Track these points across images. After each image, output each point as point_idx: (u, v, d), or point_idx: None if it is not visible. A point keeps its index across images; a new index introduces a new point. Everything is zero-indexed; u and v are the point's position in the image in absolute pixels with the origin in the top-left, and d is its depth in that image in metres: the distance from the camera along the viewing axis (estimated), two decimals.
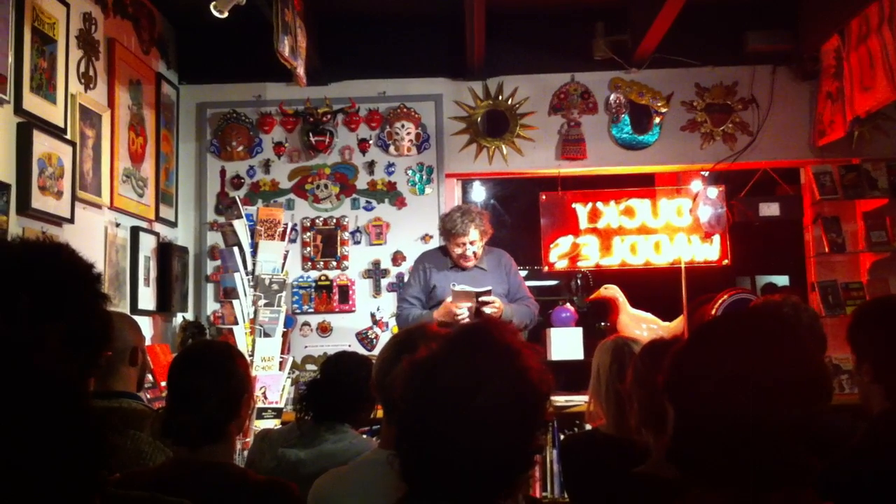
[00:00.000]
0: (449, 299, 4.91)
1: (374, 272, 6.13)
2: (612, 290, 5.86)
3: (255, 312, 5.33)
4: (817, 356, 1.59)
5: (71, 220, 4.43)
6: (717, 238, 6.09)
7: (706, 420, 1.48)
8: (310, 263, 6.15)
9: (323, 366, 3.42)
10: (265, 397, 5.14)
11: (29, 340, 1.19)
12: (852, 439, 2.25)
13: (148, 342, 5.21)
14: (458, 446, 1.50)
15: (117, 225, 5.10)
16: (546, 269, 6.20)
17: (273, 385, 5.22)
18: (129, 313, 4.94)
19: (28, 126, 4.09)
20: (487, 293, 4.86)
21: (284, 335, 5.56)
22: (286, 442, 3.21)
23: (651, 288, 6.31)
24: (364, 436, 3.36)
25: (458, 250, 5.12)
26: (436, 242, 6.08)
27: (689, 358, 1.57)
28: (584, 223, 6.14)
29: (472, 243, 5.10)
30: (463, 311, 4.82)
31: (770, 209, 6.09)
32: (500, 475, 1.53)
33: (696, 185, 6.11)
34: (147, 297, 5.42)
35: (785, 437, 1.45)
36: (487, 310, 4.82)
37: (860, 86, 5.33)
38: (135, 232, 5.29)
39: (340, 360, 3.37)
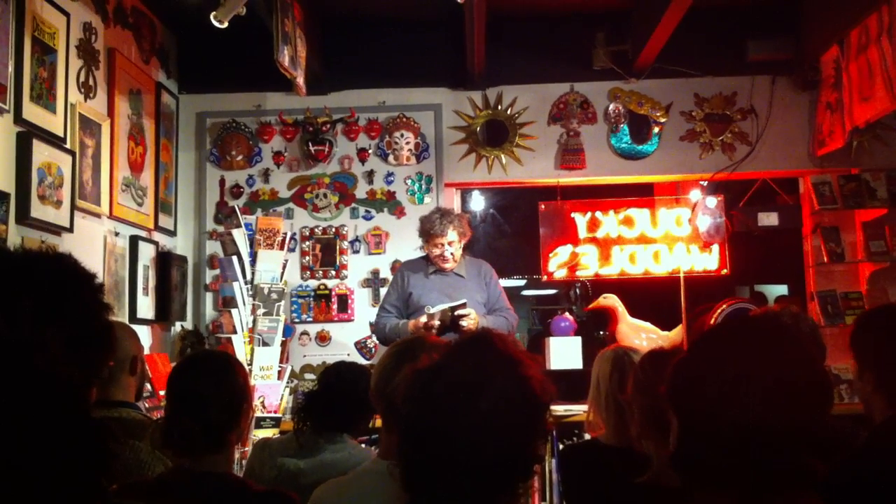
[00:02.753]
0: (423, 319, 4.88)
1: (373, 281, 6.13)
2: (611, 300, 5.86)
3: (254, 321, 5.33)
4: (818, 360, 1.59)
5: (70, 230, 4.43)
6: (716, 248, 6.09)
7: (709, 424, 1.49)
8: (309, 272, 6.14)
9: (322, 376, 3.39)
10: (264, 406, 5.13)
11: (30, 343, 1.19)
12: (855, 445, 2.25)
13: (147, 351, 5.20)
14: (460, 449, 1.50)
15: (116, 234, 5.10)
16: (545, 278, 6.20)
17: (272, 394, 5.21)
18: (127, 322, 4.93)
19: (28, 135, 4.09)
20: (462, 306, 4.85)
21: (283, 344, 5.55)
22: (285, 452, 3.20)
23: (650, 297, 6.31)
24: (363, 445, 3.35)
25: (437, 251, 5.13)
26: None
27: (692, 363, 1.57)
28: (583, 233, 6.14)
29: (450, 244, 5.12)
30: (435, 325, 4.82)
31: (769, 219, 6.10)
32: (500, 480, 1.53)
33: (695, 195, 6.11)
34: (146, 307, 5.42)
35: (787, 441, 1.46)
36: (463, 322, 4.82)
37: (859, 96, 5.34)
38: (134, 241, 5.29)
39: (340, 371, 3.35)
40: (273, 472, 3.11)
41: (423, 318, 4.88)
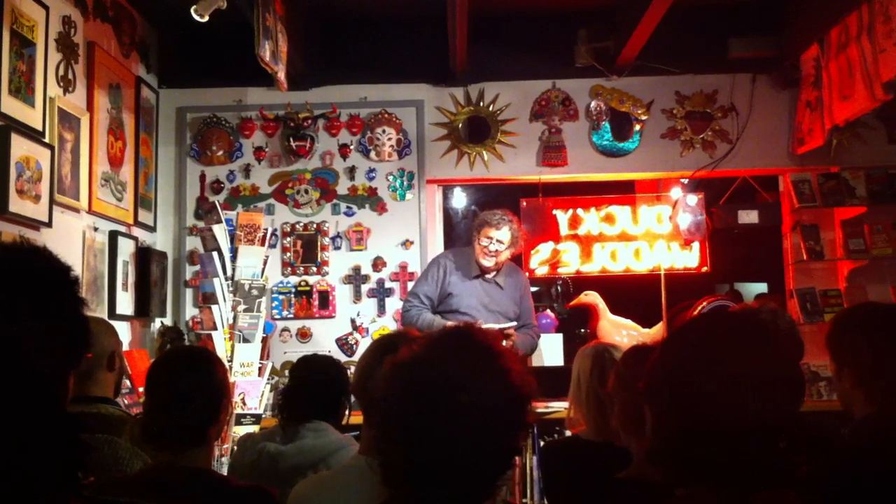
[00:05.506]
0: None
1: (355, 278, 6.11)
2: (592, 297, 5.87)
3: (235, 318, 5.30)
4: (794, 356, 1.61)
5: (49, 224, 4.39)
6: (696, 245, 6.12)
7: (692, 423, 1.49)
8: (290, 269, 6.12)
9: (291, 371, 3.46)
10: (244, 403, 5.11)
11: (3, 338, 1.18)
12: (836, 443, 2.26)
13: (126, 347, 5.17)
14: (441, 444, 1.50)
15: (96, 229, 5.06)
16: (526, 275, 6.20)
17: (252, 391, 5.19)
18: (106, 318, 4.89)
19: (6, 129, 4.05)
20: (511, 329, 4.93)
21: (264, 341, 5.53)
22: (268, 439, 3.24)
23: (631, 294, 6.33)
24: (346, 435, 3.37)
25: (485, 242, 5.12)
26: (416, 248, 6.08)
27: (674, 362, 1.57)
28: (564, 230, 6.15)
29: (499, 242, 5.10)
30: None
31: (749, 216, 6.12)
32: (481, 474, 1.53)
33: (675, 193, 6.13)
34: (125, 302, 5.38)
35: (769, 438, 1.46)
36: (504, 343, 4.82)
37: (839, 94, 5.36)
38: (113, 236, 5.25)
39: (307, 362, 3.41)
40: (254, 455, 3.13)
41: None
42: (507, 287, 5.26)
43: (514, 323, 5.02)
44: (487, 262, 5.15)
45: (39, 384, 1.15)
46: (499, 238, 5.10)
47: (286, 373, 5.85)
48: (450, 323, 4.87)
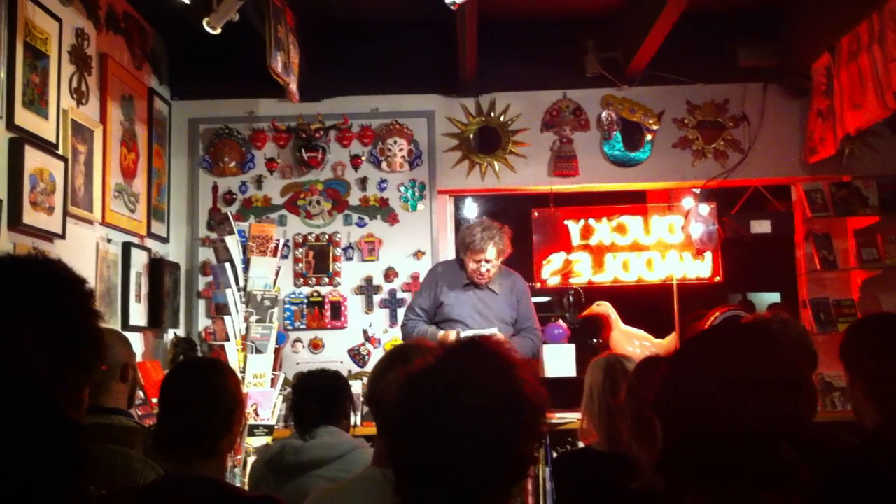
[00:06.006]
0: (452, 336, 4.83)
1: (367, 288, 6.12)
2: (604, 307, 5.86)
3: (247, 329, 5.31)
4: (796, 360, 1.61)
5: (62, 236, 4.41)
6: (708, 255, 6.10)
7: (688, 425, 1.50)
8: (302, 279, 6.13)
9: (293, 387, 3.66)
10: (256, 414, 5.11)
11: (3, 344, 1.18)
12: (837, 447, 2.27)
13: (139, 359, 5.18)
14: (444, 445, 1.49)
15: (109, 240, 5.08)
16: (538, 285, 6.20)
17: (265, 402, 5.19)
18: (120, 329, 4.91)
19: (20, 141, 4.08)
20: (495, 335, 4.86)
21: (276, 351, 5.53)
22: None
23: (643, 305, 6.31)
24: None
25: (473, 266, 5.08)
26: (427, 259, 6.08)
27: (673, 368, 1.59)
28: (576, 240, 6.15)
29: (487, 261, 5.05)
30: None
31: (761, 226, 6.11)
32: (488, 478, 1.51)
33: (687, 202, 6.12)
34: (138, 314, 5.40)
35: (765, 440, 1.47)
36: None
37: (850, 103, 5.35)
38: (126, 247, 5.27)
39: (305, 376, 3.64)
40: (277, 447, 3.33)
41: (452, 336, 4.85)
42: (503, 291, 5.21)
43: (494, 329, 4.94)
44: (482, 281, 5.14)
45: (32, 385, 1.15)
46: (486, 258, 5.05)
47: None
48: (441, 333, 4.90)
